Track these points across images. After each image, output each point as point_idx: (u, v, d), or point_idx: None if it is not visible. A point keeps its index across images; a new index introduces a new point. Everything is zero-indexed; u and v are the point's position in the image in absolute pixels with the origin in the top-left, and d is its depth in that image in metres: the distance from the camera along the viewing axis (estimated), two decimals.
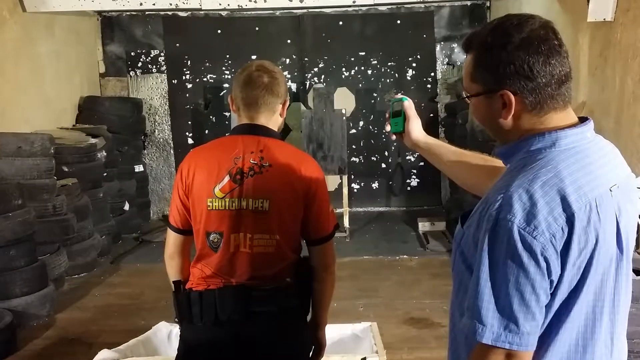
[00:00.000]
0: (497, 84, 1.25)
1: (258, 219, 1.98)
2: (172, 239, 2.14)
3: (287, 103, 2.14)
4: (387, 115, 1.85)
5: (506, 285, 1.16)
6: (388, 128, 1.83)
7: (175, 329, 3.25)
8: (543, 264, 1.15)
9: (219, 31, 7.97)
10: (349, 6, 7.45)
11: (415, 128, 1.78)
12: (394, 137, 1.84)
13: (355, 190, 8.15)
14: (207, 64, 8.04)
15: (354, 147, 8.06)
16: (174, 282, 2.11)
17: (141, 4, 6.26)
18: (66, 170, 5.75)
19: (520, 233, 1.14)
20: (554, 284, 1.18)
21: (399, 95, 1.83)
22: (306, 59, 8.06)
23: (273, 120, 2.10)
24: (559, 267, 1.17)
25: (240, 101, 2.07)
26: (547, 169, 1.19)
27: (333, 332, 3.23)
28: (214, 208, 1.98)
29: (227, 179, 1.98)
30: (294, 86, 8.08)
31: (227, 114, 7.86)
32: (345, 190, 6.92)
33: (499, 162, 1.59)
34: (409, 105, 1.80)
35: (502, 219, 1.16)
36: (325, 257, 2.10)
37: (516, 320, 1.16)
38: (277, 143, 2.06)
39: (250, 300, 1.96)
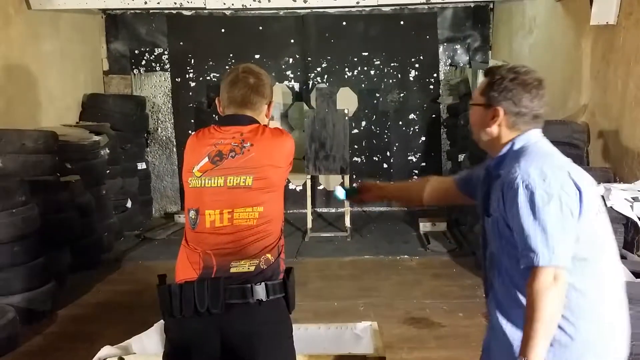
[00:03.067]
0: (495, 102, 1.87)
1: (238, 195, 2.07)
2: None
3: (273, 105, 2.26)
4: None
5: (545, 221, 1.67)
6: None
7: None
8: (571, 193, 1.71)
9: (223, 30, 7.99)
10: (353, 7, 7.46)
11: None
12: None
13: None
14: (211, 63, 8.06)
15: (356, 147, 8.08)
16: (158, 275, 2.18)
17: (145, 3, 6.28)
18: (69, 167, 5.75)
19: (541, 182, 1.70)
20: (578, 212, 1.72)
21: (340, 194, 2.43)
22: (309, 58, 8.07)
23: (259, 119, 2.21)
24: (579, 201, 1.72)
25: (226, 100, 2.20)
26: (537, 153, 1.80)
27: (333, 331, 3.25)
28: (192, 186, 2.13)
29: (205, 159, 2.11)
30: (296, 86, 8.10)
31: None
32: None
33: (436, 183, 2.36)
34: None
35: (524, 181, 1.71)
36: None
37: (557, 245, 1.67)
38: (258, 127, 2.17)
39: (228, 291, 2.01)
